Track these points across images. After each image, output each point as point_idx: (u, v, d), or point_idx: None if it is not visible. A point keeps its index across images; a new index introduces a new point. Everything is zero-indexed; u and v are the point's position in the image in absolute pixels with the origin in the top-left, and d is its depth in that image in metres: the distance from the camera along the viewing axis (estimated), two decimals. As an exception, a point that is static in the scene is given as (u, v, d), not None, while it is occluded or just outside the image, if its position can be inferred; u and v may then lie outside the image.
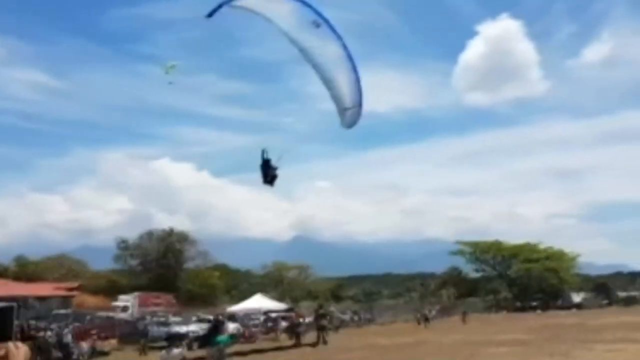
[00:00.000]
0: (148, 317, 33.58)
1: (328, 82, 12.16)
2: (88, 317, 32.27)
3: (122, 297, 41.44)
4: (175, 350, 14.87)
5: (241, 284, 67.12)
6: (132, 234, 58.76)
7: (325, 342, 28.64)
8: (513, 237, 76.25)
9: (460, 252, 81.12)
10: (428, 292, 79.53)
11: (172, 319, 33.85)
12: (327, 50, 12.03)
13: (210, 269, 58.20)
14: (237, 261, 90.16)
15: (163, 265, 55.19)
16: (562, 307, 67.04)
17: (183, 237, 57.44)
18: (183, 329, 29.46)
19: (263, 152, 11.28)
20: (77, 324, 28.03)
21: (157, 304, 41.86)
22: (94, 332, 27.31)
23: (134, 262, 57.08)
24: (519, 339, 26.51)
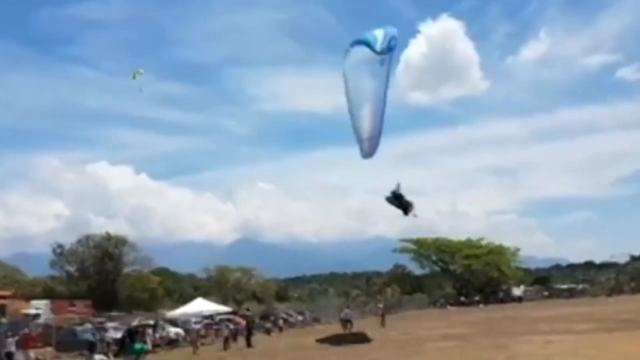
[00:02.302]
0: (89, 325, 32.54)
1: (354, 112, 13.71)
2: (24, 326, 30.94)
3: (35, 302, 40.23)
4: (97, 357, 14.47)
5: (183, 288, 66.18)
6: (69, 240, 57.03)
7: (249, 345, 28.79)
8: (456, 234, 78.51)
9: (404, 250, 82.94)
10: (373, 290, 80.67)
11: (109, 324, 32.92)
12: (368, 86, 13.52)
13: (150, 274, 57.15)
14: (179, 265, 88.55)
15: (101, 270, 54.00)
16: (503, 301, 69.73)
17: (121, 242, 56.08)
18: (118, 334, 28.75)
19: (397, 186, 12.93)
20: (24, 332, 26.95)
21: (71, 311, 40.88)
22: (35, 340, 26.52)
23: (71, 268, 55.66)
24: (461, 333, 27.34)
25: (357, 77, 13.68)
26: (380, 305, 43.33)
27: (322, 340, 28.15)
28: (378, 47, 13.15)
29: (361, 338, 28.02)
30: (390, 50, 13.30)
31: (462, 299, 72.83)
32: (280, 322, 43.09)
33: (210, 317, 38.36)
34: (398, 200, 12.94)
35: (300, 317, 48.38)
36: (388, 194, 13.13)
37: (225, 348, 28.33)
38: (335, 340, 28.12)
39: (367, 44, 13.26)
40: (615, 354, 15.08)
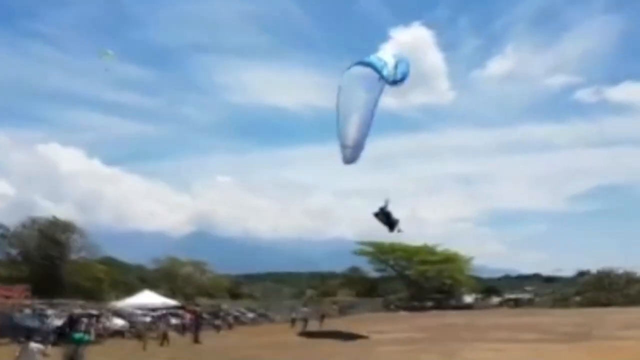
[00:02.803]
0: (28, 311, 31.49)
1: (343, 120, 14.46)
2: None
3: None
4: (32, 345, 13.85)
5: (130, 279, 64.50)
6: (13, 222, 54.81)
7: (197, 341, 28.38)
8: (414, 239, 79.44)
9: (362, 252, 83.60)
10: (327, 290, 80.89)
11: (49, 311, 31.90)
12: (361, 98, 14.30)
13: (97, 262, 55.58)
14: (129, 255, 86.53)
15: (45, 255, 52.17)
16: (454, 307, 71.12)
17: (68, 227, 54.32)
18: (59, 322, 27.92)
19: (386, 203, 13.74)
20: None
21: (7, 297, 39.42)
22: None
23: (13, 251, 53.56)
24: (412, 337, 27.62)
25: (352, 89, 14.42)
26: (305, 310, 43.07)
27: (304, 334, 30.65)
28: (385, 72, 13.85)
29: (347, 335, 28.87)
30: (395, 83, 14.11)
31: (415, 303, 73.87)
32: (230, 319, 42.75)
33: (157, 310, 37.63)
34: (387, 218, 13.80)
35: (251, 315, 48.06)
36: (376, 209, 13.96)
37: (161, 344, 27.57)
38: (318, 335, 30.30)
39: (374, 67, 13.84)
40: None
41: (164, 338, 28.22)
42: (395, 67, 13.77)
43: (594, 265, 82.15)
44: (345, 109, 14.43)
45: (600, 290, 72.90)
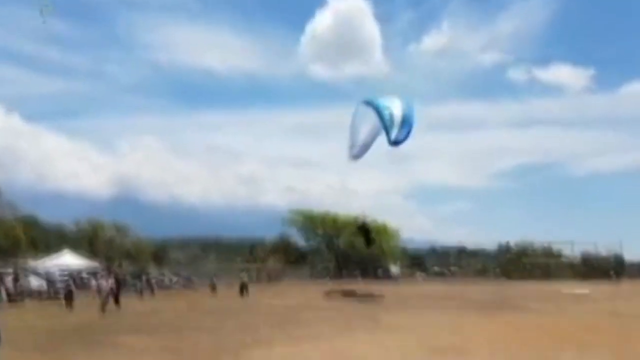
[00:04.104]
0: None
1: (356, 131, 18.03)
2: None
3: None
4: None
5: (50, 239, 62.38)
6: None
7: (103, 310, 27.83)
8: (344, 210, 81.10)
9: (292, 222, 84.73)
10: (256, 258, 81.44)
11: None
12: (371, 122, 17.37)
13: (16, 221, 53.40)
14: (49, 215, 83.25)
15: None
16: (381, 278, 73.75)
17: (-15, 185, 51.84)
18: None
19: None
20: None
21: None
22: None
23: None
24: (337, 305, 28.59)
25: (363, 119, 17.58)
26: (244, 275, 43.20)
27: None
28: (392, 136, 16.61)
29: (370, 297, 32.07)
30: (397, 144, 16.93)
31: (343, 273, 75.85)
32: (154, 283, 42.48)
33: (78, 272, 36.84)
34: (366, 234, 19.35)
35: (175, 280, 47.85)
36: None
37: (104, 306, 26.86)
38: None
39: (384, 125, 16.81)
40: (473, 330, 16.62)
41: (104, 303, 27.26)
42: (402, 124, 16.20)
43: (514, 240, 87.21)
44: (359, 126, 17.69)
45: (519, 263, 77.92)
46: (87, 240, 59.71)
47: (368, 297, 32.01)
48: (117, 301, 28.72)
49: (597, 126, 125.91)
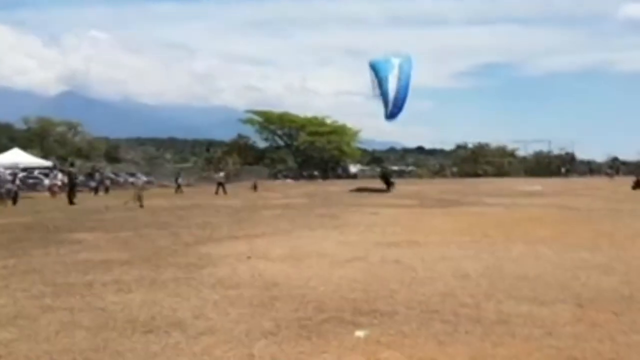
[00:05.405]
0: None
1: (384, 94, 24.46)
2: None
3: None
4: None
5: (-1, 137, 60.52)
6: None
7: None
8: (303, 110, 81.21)
9: (250, 122, 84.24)
10: (214, 157, 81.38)
11: None
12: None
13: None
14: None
15: None
16: (340, 177, 75.36)
17: None
18: None
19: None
20: None
21: None
22: None
23: None
24: (297, 202, 29.17)
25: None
26: (221, 175, 43.57)
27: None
28: (388, 113, 23.16)
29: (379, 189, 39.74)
30: (392, 116, 20.67)
31: (303, 173, 76.93)
32: (107, 182, 42.27)
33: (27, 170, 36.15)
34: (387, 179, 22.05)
35: (131, 179, 47.62)
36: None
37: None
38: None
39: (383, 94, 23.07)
40: (428, 224, 17.35)
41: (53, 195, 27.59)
42: (395, 99, 22.84)
43: (472, 139, 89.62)
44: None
45: (475, 162, 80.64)
46: (37, 138, 58.27)
47: (379, 190, 39.23)
48: (71, 200, 28.64)
49: (557, 24, 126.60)
